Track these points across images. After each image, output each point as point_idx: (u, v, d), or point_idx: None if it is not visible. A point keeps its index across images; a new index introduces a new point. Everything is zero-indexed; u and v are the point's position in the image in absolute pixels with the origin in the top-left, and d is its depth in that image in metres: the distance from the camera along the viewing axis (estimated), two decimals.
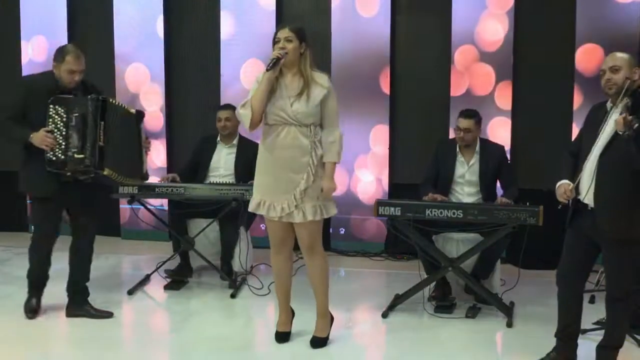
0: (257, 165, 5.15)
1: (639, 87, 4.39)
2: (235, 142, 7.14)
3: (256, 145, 6.95)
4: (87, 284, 5.97)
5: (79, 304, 5.91)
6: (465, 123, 6.27)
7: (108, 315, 5.90)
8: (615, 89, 4.40)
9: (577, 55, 7.40)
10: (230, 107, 7.14)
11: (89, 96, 5.53)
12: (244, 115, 4.96)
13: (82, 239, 5.89)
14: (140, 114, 5.84)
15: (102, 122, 5.53)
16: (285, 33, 4.94)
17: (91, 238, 5.96)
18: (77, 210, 5.87)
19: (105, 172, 5.53)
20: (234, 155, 7.11)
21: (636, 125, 4.01)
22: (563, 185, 4.61)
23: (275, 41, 4.97)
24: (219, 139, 7.18)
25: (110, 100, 5.67)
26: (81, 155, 5.47)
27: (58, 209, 5.81)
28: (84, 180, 5.63)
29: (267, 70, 4.89)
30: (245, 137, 7.23)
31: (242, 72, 8.32)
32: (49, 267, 5.97)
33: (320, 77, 5.02)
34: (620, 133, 4.12)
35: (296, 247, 5.22)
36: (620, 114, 4.22)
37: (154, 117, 8.58)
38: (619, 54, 4.50)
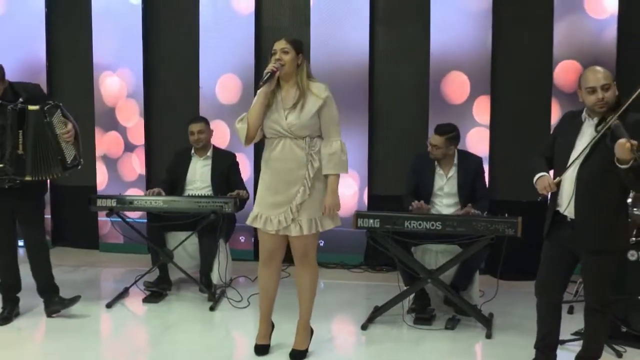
0: (259, 179, 5.13)
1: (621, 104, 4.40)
2: (209, 153, 7.14)
3: (231, 155, 6.99)
4: (55, 281, 6.15)
5: (50, 300, 6.07)
6: (434, 139, 6.30)
7: (76, 299, 6.09)
8: (607, 108, 4.38)
9: (555, 70, 7.43)
10: (202, 120, 7.15)
11: (9, 107, 5.65)
12: (241, 129, 4.94)
13: (32, 240, 6.05)
14: (45, 107, 5.76)
15: (21, 131, 5.68)
16: (281, 44, 4.91)
17: (39, 236, 6.11)
18: (18, 214, 5.99)
19: (27, 179, 5.73)
20: (209, 167, 7.11)
21: None
22: (546, 178, 4.56)
23: (271, 53, 4.95)
24: (192, 151, 7.16)
25: (29, 107, 5.72)
26: (1, 165, 5.64)
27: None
28: (10, 187, 5.74)
29: (262, 84, 4.87)
30: (220, 148, 7.23)
31: (218, 85, 8.33)
32: (17, 277, 6.11)
33: (317, 87, 4.95)
34: (625, 160, 4.07)
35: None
36: (610, 132, 4.23)
37: (133, 128, 8.58)
38: (603, 70, 4.45)
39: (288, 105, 4.92)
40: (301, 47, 4.98)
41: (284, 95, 4.96)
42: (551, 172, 4.68)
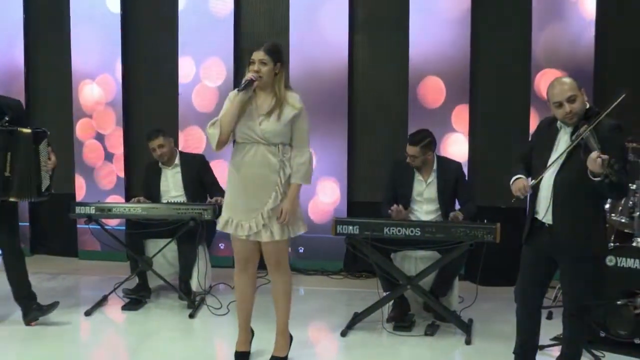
0: (227, 184, 5.12)
1: (590, 112, 4.43)
2: (177, 161, 7.13)
3: (200, 157, 6.97)
4: (32, 289, 6.14)
5: (28, 308, 6.05)
6: (410, 150, 6.28)
7: (55, 305, 6.08)
8: (577, 118, 4.41)
9: (536, 79, 7.43)
10: (159, 133, 7.07)
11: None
12: (213, 134, 4.92)
13: (8, 248, 6.08)
14: (37, 134, 5.88)
15: (9, 153, 5.76)
16: (260, 55, 4.89)
17: (15, 243, 6.10)
18: None
19: (11, 199, 5.88)
20: (180, 175, 7.09)
21: (616, 166, 4.02)
22: (522, 180, 4.59)
23: (249, 61, 4.93)
24: (160, 164, 7.14)
25: (18, 129, 5.80)
26: None
27: None
28: None
29: (239, 91, 4.85)
30: (186, 153, 7.23)
31: (194, 92, 8.33)
32: None
33: (293, 97, 4.96)
34: (598, 174, 4.09)
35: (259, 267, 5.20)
36: (583, 141, 4.27)
37: (112, 136, 8.58)
38: (568, 81, 4.47)
39: (263, 112, 4.92)
40: (280, 56, 4.97)
41: (260, 102, 4.96)
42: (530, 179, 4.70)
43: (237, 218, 4.99)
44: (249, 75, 4.87)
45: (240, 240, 5.06)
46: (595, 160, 4.08)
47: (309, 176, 5.05)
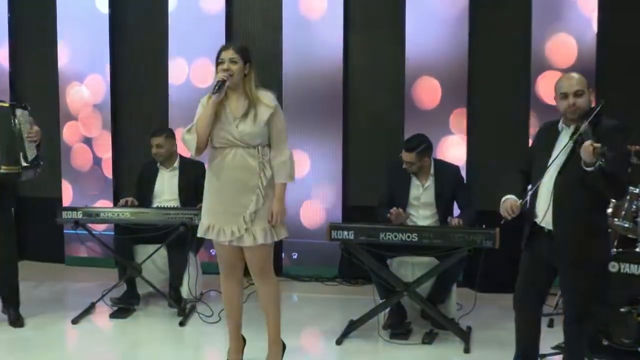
0: (205, 189, 5.05)
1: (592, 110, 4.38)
2: (176, 164, 7.06)
3: (200, 165, 6.88)
4: (18, 292, 6.28)
5: (6, 308, 6.24)
6: (405, 156, 6.22)
7: (19, 325, 6.16)
8: (579, 113, 4.36)
9: (536, 80, 7.35)
10: (163, 132, 7.04)
11: None
12: (190, 140, 4.88)
13: (4, 250, 6.11)
14: (13, 107, 6.04)
15: None
16: (229, 54, 4.86)
17: (7, 240, 6.15)
18: None
19: (2, 170, 5.89)
20: (177, 178, 7.02)
21: (609, 154, 3.97)
22: (509, 201, 4.55)
23: (219, 62, 4.90)
24: (159, 164, 7.06)
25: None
26: None
27: None
28: None
29: (212, 93, 4.80)
30: (187, 158, 7.10)
31: (185, 93, 8.20)
32: None
33: (266, 96, 4.93)
34: (590, 162, 4.04)
35: (247, 273, 5.10)
36: (580, 138, 4.21)
37: (99, 140, 8.48)
38: (577, 76, 4.46)
39: (238, 115, 4.87)
40: (249, 56, 4.94)
41: (233, 105, 4.92)
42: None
43: (218, 224, 4.92)
44: (219, 76, 4.83)
45: (223, 247, 4.99)
46: (587, 147, 4.05)
47: (293, 174, 5.02)
